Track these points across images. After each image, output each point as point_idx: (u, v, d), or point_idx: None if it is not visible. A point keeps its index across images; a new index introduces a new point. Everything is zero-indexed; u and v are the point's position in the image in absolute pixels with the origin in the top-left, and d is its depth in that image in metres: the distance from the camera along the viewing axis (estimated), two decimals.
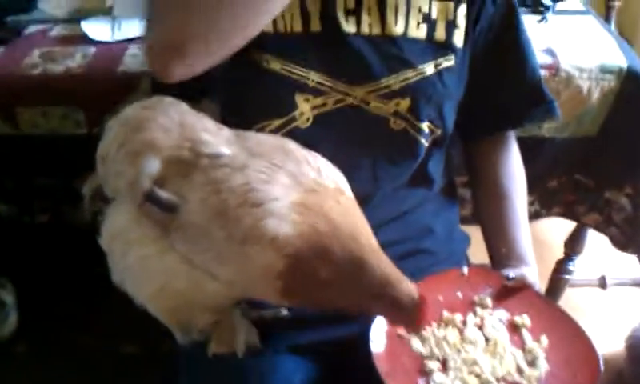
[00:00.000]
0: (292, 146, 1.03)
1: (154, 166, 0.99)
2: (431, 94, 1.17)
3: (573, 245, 1.98)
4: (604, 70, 1.49)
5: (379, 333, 1.08)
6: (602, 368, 1.04)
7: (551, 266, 2.05)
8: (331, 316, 1.14)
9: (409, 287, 0.98)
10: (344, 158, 1.05)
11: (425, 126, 1.19)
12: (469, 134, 1.35)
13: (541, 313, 1.14)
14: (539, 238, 1.27)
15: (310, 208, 0.95)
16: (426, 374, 1.05)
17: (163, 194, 0.98)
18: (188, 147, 1.00)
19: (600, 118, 1.53)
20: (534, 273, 1.20)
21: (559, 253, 2.04)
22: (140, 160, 1.00)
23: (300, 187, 0.96)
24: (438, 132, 1.22)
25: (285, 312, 1.17)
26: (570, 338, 1.09)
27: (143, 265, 1.02)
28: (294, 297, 0.99)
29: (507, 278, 1.16)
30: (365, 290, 0.97)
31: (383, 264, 0.97)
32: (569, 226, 1.98)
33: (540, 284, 1.22)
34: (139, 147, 1.02)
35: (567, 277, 2.02)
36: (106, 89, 1.47)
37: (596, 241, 2.01)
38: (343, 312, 1.04)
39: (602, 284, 2.10)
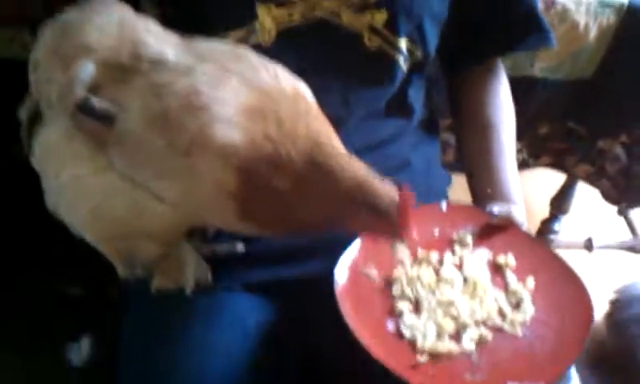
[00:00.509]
0: (247, 51, 0.91)
1: (87, 70, 0.88)
2: (411, 6, 1.04)
3: (559, 203, 1.87)
4: (603, 3, 1.37)
5: (344, 271, 0.96)
6: (594, 314, 0.92)
7: (535, 226, 1.94)
8: (292, 252, 1.03)
9: (385, 187, 0.86)
10: (312, 80, 0.93)
11: (403, 43, 1.06)
12: (455, 63, 1.23)
13: (527, 253, 1.02)
14: (523, 196, 1.15)
15: (262, 112, 0.83)
16: (396, 315, 0.93)
17: (98, 102, 0.86)
18: (128, 50, 0.88)
19: (597, 58, 1.41)
20: (522, 212, 1.08)
21: (544, 212, 1.93)
22: (73, 65, 0.88)
23: (251, 90, 0.84)
24: (418, 54, 1.10)
25: (241, 247, 1.05)
26: (560, 280, 0.98)
27: (77, 185, 0.91)
28: (252, 217, 0.87)
29: (491, 215, 1.04)
30: (333, 196, 0.85)
31: (352, 165, 0.85)
32: (555, 183, 1.88)
33: None
34: (72, 50, 0.89)
35: (552, 237, 1.91)
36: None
37: (583, 201, 1.91)
38: (315, 231, 0.92)
39: (588, 246, 2.00)
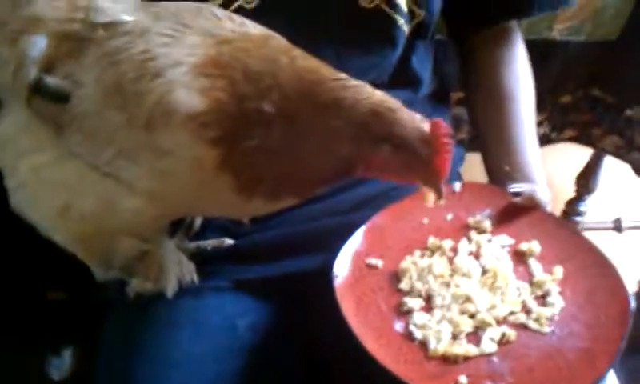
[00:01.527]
0: (210, 5, 0.81)
1: (39, 46, 0.79)
2: None
3: (585, 182, 1.77)
4: None
5: (344, 264, 0.85)
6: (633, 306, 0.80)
7: (560, 207, 1.83)
8: (287, 246, 0.94)
9: (410, 116, 0.71)
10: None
11: (402, 0, 0.95)
12: (463, 26, 1.12)
13: (554, 238, 0.90)
14: (545, 174, 1.03)
15: (224, 63, 0.72)
16: (405, 314, 0.82)
17: (52, 80, 0.78)
18: (80, 19, 0.80)
19: (623, 16, 1.31)
20: (545, 192, 0.96)
21: (569, 192, 1.82)
22: (22, 41, 0.80)
23: (210, 42, 0.74)
24: (421, 15, 1.00)
25: (229, 241, 0.95)
26: (591, 269, 0.86)
27: (38, 178, 0.82)
28: (255, 188, 0.74)
29: (511, 195, 0.92)
30: (343, 132, 0.71)
31: (363, 91, 0.72)
32: (580, 160, 1.76)
33: None
34: (20, 25, 0.81)
35: (578, 219, 1.81)
36: None
37: (610, 178, 1.80)
38: (331, 183, 0.79)
39: (618, 227, 1.89)
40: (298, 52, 0.75)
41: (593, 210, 1.85)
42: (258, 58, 0.72)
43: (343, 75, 0.73)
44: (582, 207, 1.81)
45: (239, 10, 0.90)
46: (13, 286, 1.22)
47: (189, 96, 0.71)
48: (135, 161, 0.75)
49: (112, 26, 0.76)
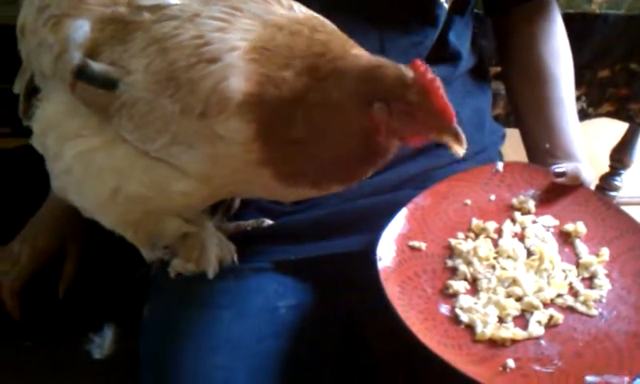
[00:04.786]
0: None
1: (82, 30, 0.78)
2: None
3: (620, 156, 1.72)
4: None
5: (388, 246, 0.84)
6: None
7: (594, 182, 1.79)
8: (328, 226, 0.93)
9: (394, 65, 0.70)
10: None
11: None
12: (501, 1, 1.08)
13: (599, 218, 0.89)
14: None
15: (272, 47, 0.71)
16: (450, 297, 0.81)
17: (98, 66, 0.77)
18: (124, 1, 0.78)
19: None
20: (588, 170, 0.94)
21: (604, 167, 1.78)
22: (65, 25, 0.79)
23: (262, 26, 0.73)
24: None
25: (268, 221, 0.95)
26: (638, 249, 0.85)
27: (85, 163, 0.81)
28: (297, 180, 0.75)
29: (555, 175, 0.90)
30: (346, 105, 0.70)
31: (354, 57, 0.72)
32: (615, 134, 1.72)
33: None
34: (63, 9, 0.80)
35: (613, 194, 1.77)
36: None
37: None
38: (373, 166, 0.76)
39: None
40: (333, 30, 0.75)
41: (628, 185, 1.82)
42: (305, 44, 0.72)
43: (352, 46, 0.73)
44: (617, 182, 1.78)
45: None
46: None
47: (242, 82, 0.70)
48: (188, 146, 0.74)
49: (157, 9, 0.75)
